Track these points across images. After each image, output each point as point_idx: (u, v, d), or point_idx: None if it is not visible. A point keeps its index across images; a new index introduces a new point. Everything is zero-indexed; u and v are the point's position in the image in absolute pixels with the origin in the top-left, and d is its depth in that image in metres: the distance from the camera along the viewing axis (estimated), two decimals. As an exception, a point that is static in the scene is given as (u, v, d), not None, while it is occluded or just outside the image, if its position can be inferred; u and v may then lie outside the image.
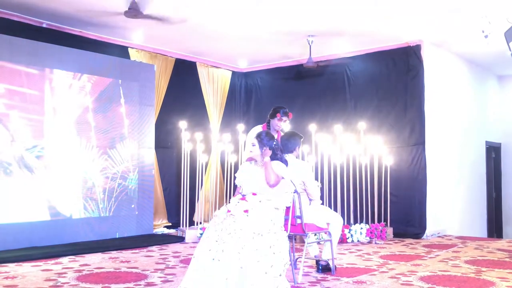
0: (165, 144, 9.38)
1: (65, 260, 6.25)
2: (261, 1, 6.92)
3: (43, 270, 5.59)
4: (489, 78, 11.41)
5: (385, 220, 8.53)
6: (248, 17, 7.62)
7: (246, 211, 4.33)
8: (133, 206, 8.25)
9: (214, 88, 10.34)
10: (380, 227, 8.17)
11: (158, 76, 9.13)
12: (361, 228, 8.09)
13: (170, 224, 9.20)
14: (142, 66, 8.71)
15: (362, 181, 8.51)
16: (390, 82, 9.09)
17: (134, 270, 5.66)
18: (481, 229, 10.46)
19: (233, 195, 4.78)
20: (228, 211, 4.37)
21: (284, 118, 6.02)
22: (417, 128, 8.70)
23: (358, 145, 8.53)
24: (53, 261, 6.13)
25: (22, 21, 7.56)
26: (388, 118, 9.03)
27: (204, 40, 8.82)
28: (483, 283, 5.06)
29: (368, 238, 8.05)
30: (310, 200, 5.59)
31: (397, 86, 8.98)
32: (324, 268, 5.59)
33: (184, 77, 9.74)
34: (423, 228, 8.49)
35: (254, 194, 4.51)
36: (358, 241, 8.03)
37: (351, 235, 8.03)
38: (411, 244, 7.83)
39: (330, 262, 5.55)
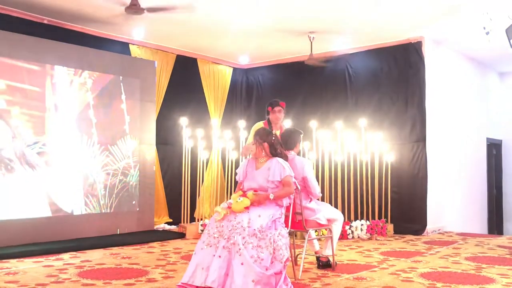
0: (167, 140, 9.37)
1: (66, 256, 6.27)
2: (262, -3, 6.92)
3: (44, 266, 5.61)
4: (490, 74, 11.40)
5: (386, 217, 8.54)
6: (249, 13, 7.61)
7: (247, 208, 4.34)
8: (134, 202, 8.27)
9: (215, 84, 10.34)
10: (380, 224, 8.18)
11: (159, 72, 9.13)
12: (362, 225, 8.10)
13: (171, 220, 9.21)
14: (143, 62, 8.72)
15: (362, 178, 8.52)
16: (391, 78, 9.09)
17: (135, 266, 5.68)
18: (481, 226, 10.47)
19: (234, 191, 4.79)
20: (229, 207, 4.38)
21: (277, 108, 6.01)
22: (418, 125, 8.70)
23: (359, 141, 8.53)
24: (54, 257, 6.15)
25: (23, 17, 7.56)
26: (389, 115, 9.03)
27: (205, 36, 8.81)
28: (483, 280, 5.07)
29: (368, 234, 8.06)
30: (311, 197, 5.59)
31: (398, 82, 8.98)
32: (325, 265, 5.60)
33: (185, 74, 9.74)
34: (424, 224, 8.50)
35: (255, 191, 4.51)
36: (358, 237, 8.04)
37: (352, 232, 8.04)
38: (411, 240, 7.84)
39: (331, 259, 5.56)
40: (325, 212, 5.56)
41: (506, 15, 6.88)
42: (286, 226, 4.95)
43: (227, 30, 8.41)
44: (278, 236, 4.24)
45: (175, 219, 9.09)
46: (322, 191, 8.36)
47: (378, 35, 8.69)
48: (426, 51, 8.74)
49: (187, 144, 8.54)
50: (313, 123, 8.54)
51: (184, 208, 8.45)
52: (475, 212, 10.31)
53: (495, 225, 11.18)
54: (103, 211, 7.86)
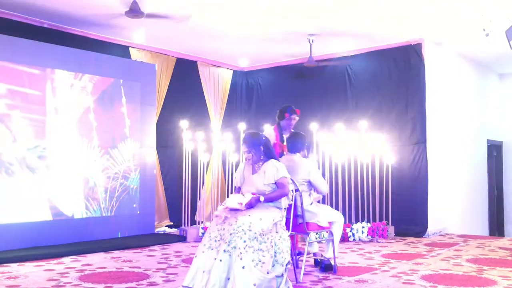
0: (167, 143, 9.37)
1: (67, 260, 6.26)
2: (262, 0, 6.92)
3: (45, 270, 5.60)
4: (490, 76, 11.40)
5: (387, 219, 8.53)
6: (249, 16, 7.62)
7: (240, 203, 4.33)
8: (134, 205, 8.26)
9: (215, 87, 10.35)
10: (381, 226, 8.17)
11: (159, 75, 9.14)
12: (363, 227, 8.09)
13: (172, 223, 9.21)
14: (143, 65, 8.72)
15: (363, 180, 8.51)
16: (391, 80, 9.09)
17: (136, 270, 5.67)
18: (482, 228, 10.45)
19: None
20: (226, 207, 4.37)
21: (293, 116, 6.04)
22: (418, 126, 8.70)
23: (360, 144, 8.53)
24: (55, 261, 6.14)
25: (23, 21, 7.57)
26: (389, 117, 9.03)
27: (205, 39, 8.82)
28: (485, 282, 5.06)
29: (369, 236, 8.05)
30: (314, 199, 5.61)
31: (398, 84, 8.98)
32: (327, 268, 5.59)
33: (185, 77, 9.74)
34: (425, 226, 8.49)
35: (253, 194, 4.49)
36: (359, 239, 8.03)
37: (353, 234, 8.03)
38: (412, 242, 7.83)
39: (332, 261, 5.56)
40: (325, 214, 5.56)
41: (505, 17, 6.89)
42: (287, 229, 4.95)
43: (226, 33, 8.41)
44: (279, 239, 4.24)
45: (176, 222, 9.08)
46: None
47: (378, 37, 8.69)
48: (426, 52, 8.74)
49: (187, 147, 8.54)
50: (313, 126, 8.54)
51: (184, 211, 8.45)
52: (476, 214, 10.30)
53: (496, 227, 11.16)
54: (104, 214, 7.86)
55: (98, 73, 7.88)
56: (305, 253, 5.35)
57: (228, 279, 4.00)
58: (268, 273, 4.02)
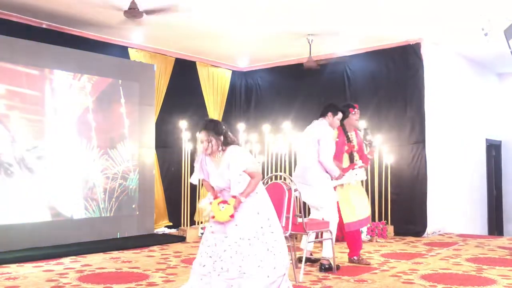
0: (166, 143, 9.36)
1: (66, 260, 6.26)
2: (261, 0, 6.92)
3: (44, 271, 5.60)
4: (489, 76, 11.41)
5: (386, 219, 8.53)
6: (248, 16, 7.61)
7: (232, 216, 4.03)
8: (134, 206, 8.26)
9: (214, 87, 10.34)
10: (381, 226, 8.17)
11: (158, 76, 9.13)
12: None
13: (171, 224, 9.20)
14: (142, 66, 8.72)
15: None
16: (390, 80, 9.09)
17: (135, 270, 5.67)
18: (481, 227, 10.46)
19: (203, 190, 4.44)
20: (212, 216, 4.13)
21: (356, 110, 6.05)
22: (417, 126, 8.71)
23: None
24: (54, 262, 6.14)
25: (22, 22, 7.56)
26: (388, 117, 9.03)
27: (204, 39, 8.82)
28: (484, 281, 5.07)
29: (369, 236, 8.05)
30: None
31: (397, 84, 8.98)
32: (327, 268, 5.58)
33: (184, 77, 9.74)
34: (424, 226, 8.49)
35: (234, 197, 4.07)
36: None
37: (352, 234, 8.02)
38: (412, 242, 7.84)
39: (331, 261, 5.56)
40: (323, 212, 5.60)
41: (504, 17, 6.90)
42: (287, 228, 4.95)
43: (225, 33, 8.41)
44: (275, 241, 4.10)
45: (175, 222, 9.08)
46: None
47: (377, 37, 8.69)
48: (425, 52, 8.75)
49: (186, 147, 8.54)
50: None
51: (184, 212, 8.45)
52: (475, 213, 10.30)
53: (495, 226, 11.17)
54: (103, 215, 7.85)
55: (97, 74, 7.87)
56: (304, 252, 5.35)
57: (231, 286, 3.94)
58: (268, 276, 3.94)
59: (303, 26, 8.06)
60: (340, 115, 5.94)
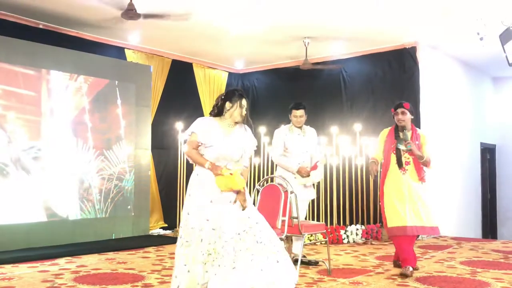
0: (162, 145, 9.36)
1: (61, 261, 6.25)
2: (258, 2, 6.94)
3: (40, 271, 5.59)
4: (484, 79, 11.47)
5: (381, 221, 8.55)
6: (245, 19, 7.63)
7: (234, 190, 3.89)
8: (129, 207, 8.26)
9: (210, 89, 10.36)
10: (376, 228, 8.20)
11: (154, 77, 9.14)
12: (357, 229, 8.12)
13: (166, 225, 9.20)
14: (138, 67, 8.73)
15: (357, 182, 8.54)
16: (386, 83, 9.13)
17: (131, 271, 5.67)
18: (476, 230, 10.51)
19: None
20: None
21: (397, 111, 5.83)
22: (412, 129, 8.73)
23: (354, 146, 8.56)
24: (49, 262, 6.13)
25: (18, 22, 7.56)
26: (383, 120, 9.03)
27: (201, 41, 8.83)
28: (478, 284, 5.09)
29: (364, 239, 8.08)
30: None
31: (393, 87, 9.02)
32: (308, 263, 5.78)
33: (180, 78, 9.75)
34: (419, 229, 8.50)
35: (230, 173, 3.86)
36: (354, 241, 8.05)
37: (347, 236, 8.05)
38: (406, 245, 7.85)
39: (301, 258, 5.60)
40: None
41: (499, 21, 6.94)
42: (283, 230, 4.96)
43: (222, 35, 8.43)
44: (260, 231, 3.85)
45: (170, 224, 9.08)
46: (318, 195, 8.39)
47: (373, 40, 8.74)
48: (421, 56, 8.79)
49: (182, 148, 8.55)
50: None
51: (179, 213, 8.45)
52: (469, 217, 10.35)
53: (489, 230, 11.22)
54: (98, 216, 7.85)
55: (93, 74, 7.88)
56: (300, 254, 5.37)
57: (226, 280, 3.86)
58: (262, 270, 3.73)
59: (300, 28, 8.09)
60: None
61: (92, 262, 6.23)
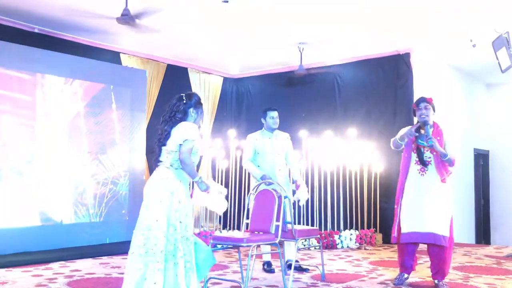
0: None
1: (55, 265, 6.24)
2: (253, 8, 6.97)
3: (33, 276, 5.58)
4: (478, 86, 11.54)
5: (375, 226, 8.59)
6: (240, 24, 7.67)
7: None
8: (123, 211, 8.25)
9: (205, 94, 10.38)
10: (369, 233, 8.23)
11: (149, 81, 9.15)
12: (351, 234, 8.15)
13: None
14: (133, 71, 8.74)
15: (352, 187, 8.57)
16: (380, 89, 9.18)
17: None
18: (469, 236, 10.55)
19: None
20: None
21: (419, 106, 5.65)
22: (406, 135, 8.77)
23: (348, 151, 8.60)
24: (43, 267, 6.12)
25: (13, 26, 7.56)
26: (377, 125, 9.11)
27: (196, 46, 8.86)
28: (471, 289, 5.12)
29: (357, 244, 8.10)
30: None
31: (387, 93, 9.07)
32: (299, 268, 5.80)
33: (175, 83, 9.75)
34: (412, 234, 8.53)
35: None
36: (348, 247, 8.08)
37: (341, 241, 8.08)
38: (400, 250, 7.87)
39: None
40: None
41: (492, 28, 7.01)
42: (277, 235, 4.97)
43: (217, 40, 8.46)
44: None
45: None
46: (312, 200, 8.42)
47: (367, 47, 8.79)
48: (415, 62, 8.85)
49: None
50: (302, 133, 8.59)
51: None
52: (462, 222, 10.38)
53: (482, 235, 11.26)
54: (93, 220, 7.84)
55: (88, 79, 7.88)
56: (293, 259, 5.38)
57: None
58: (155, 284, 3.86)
59: (295, 34, 8.13)
60: None
61: (86, 266, 6.22)
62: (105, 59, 8.46)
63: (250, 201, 5.43)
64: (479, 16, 7.06)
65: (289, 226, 5.28)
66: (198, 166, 8.84)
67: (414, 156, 5.32)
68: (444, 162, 5.19)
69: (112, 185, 8.10)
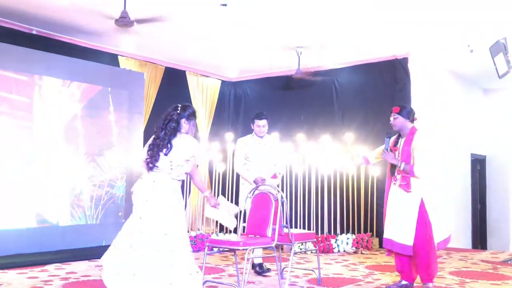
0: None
1: (51, 267, 6.23)
2: (251, 12, 6.99)
3: (29, 278, 5.57)
4: (475, 91, 11.57)
5: (371, 231, 8.59)
6: (238, 28, 7.68)
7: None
8: (120, 214, 8.24)
9: (203, 97, 10.38)
10: (366, 237, 8.23)
11: (147, 84, 9.15)
12: (348, 238, 8.14)
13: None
14: (131, 74, 8.73)
15: (348, 191, 8.57)
16: (377, 94, 9.19)
17: (120, 278, 5.64)
18: (465, 241, 10.56)
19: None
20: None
21: (392, 114, 5.73)
22: (403, 139, 8.78)
23: (345, 155, 8.60)
24: (39, 269, 6.10)
25: (12, 27, 7.55)
26: (374, 129, 9.10)
27: (194, 49, 8.87)
28: (467, 294, 5.12)
29: (354, 248, 8.10)
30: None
31: (384, 98, 9.07)
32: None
33: (173, 86, 9.75)
34: (409, 239, 8.53)
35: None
36: (344, 251, 8.08)
37: (338, 245, 8.08)
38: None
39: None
40: None
41: (490, 34, 7.03)
42: (273, 239, 4.97)
43: (216, 44, 8.47)
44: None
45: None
46: (308, 204, 8.42)
47: (365, 51, 8.80)
48: (412, 67, 8.87)
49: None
50: (300, 137, 8.60)
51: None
52: (459, 227, 10.39)
53: (479, 240, 11.27)
54: (89, 222, 7.82)
55: (86, 81, 7.87)
56: (290, 263, 5.38)
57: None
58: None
59: (293, 38, 8.14)
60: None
61: (82, 268, 6.21)
62: (103, 61, 8.46)
63: (246, 204, 5.44)
64: (476, 21, 7.08)
65: (285, 230, 5.27)
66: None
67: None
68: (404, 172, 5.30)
69: (109, 188, 8.09)
